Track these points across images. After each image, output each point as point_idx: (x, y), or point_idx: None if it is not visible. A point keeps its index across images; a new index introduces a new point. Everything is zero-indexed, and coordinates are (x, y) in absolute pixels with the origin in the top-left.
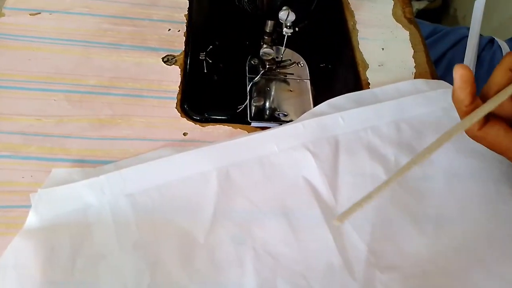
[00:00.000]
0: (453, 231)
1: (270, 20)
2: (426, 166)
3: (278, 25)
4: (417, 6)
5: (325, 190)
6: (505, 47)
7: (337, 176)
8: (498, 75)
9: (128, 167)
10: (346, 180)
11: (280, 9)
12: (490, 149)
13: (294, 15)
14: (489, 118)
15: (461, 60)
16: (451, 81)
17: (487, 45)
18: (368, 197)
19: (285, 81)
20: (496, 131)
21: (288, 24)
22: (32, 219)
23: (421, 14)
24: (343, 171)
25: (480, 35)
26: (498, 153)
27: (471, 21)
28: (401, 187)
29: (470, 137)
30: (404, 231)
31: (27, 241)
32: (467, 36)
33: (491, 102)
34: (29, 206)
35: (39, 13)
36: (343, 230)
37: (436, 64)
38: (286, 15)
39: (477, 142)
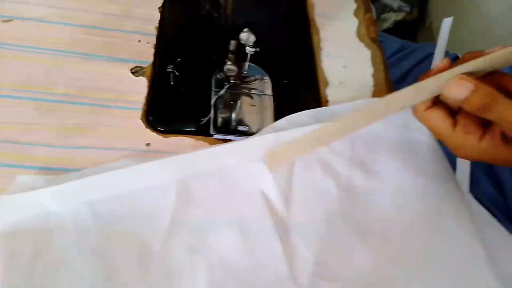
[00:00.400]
0: (395, 245)
1: (233, 40)
2: (376, 181)
3: (242, 44)
4: (394, 17)
5: (279, 203)
6: None
7: (291, 189)
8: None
9: (90, 176)
10: (299, 194)
11: (241, 30)
12: (431, 131)
13: (254, 37)
14: (436, 102)
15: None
16: None
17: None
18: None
19: (249, 95)
20: (436, 115)
21: (250, 44)
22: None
23: (399, 26)
24: (297, 185)
25: (446, 51)
26: (437, 137)
27: (438, 39)
28: (350, 200)
29: (416, 116)
30: (350, 244)
31: None
32: (433, 53)
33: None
34: None
35: (12, 20)
36: (291, 241)
37: (402, 80)
38: (246, 37)
39: (421, 122)
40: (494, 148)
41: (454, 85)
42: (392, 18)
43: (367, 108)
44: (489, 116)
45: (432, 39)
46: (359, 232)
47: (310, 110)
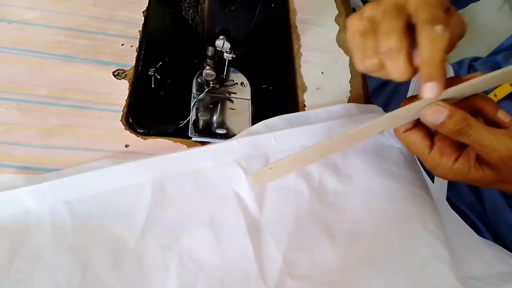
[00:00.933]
0: (362, 245)
1: (210, 46)
2: (347, 184)
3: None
4: None
5: (251, 203)
6: (450, 70)
7: (264, 190)
8: None
9: (69, 176)
10: (272, 195)
11: (217, 37)
12: (410, 151)
13: (229, 44)
14: (416, 124)
15: (406, 85)
16: (396, 107)
17: None
18: (280, 161)
19: (228, 99)
20: (415, 137)
21: (227, 50)
22: None
23: None
24: (270, 186)
25: None
26: (414, 154)
27: None
28: (321, 202)
29: (396, 136)
30: (319, 243)
31: None
32: None
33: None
34: None
35: None
36: (262, 240)
37: (382, 88)
38: (222, 44)
39: (401, 142)
40: (468, 170)
41: (431, 110)
42: None
43: (350, 132)
44: (464, 139)
45: None
46: (328, 232)
47: (286, 115)
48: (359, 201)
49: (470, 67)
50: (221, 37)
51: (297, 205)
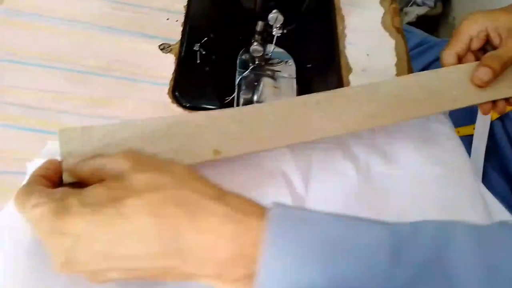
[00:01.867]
0: None
1: (261, 21)
2: (394, 168)
3: (269, 25)
4: (417, 11)
5: (297, 182)
6: None
7: (310, 170)
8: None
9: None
10: (318, 174)
11: (270, 11)
12: None
13: (283, 18)
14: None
15: None
16: None
17: None
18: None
19: (272, 77)
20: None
21: (278, 26)
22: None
23: (421, 20)
24: (316, 166)
25: None
26: None
27: None
28: (368, 185)
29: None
30: None
31: None
32: None
33: None
34: (21, 173)
35: None
36: None
37: None
38: (275, 18)
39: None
40: None
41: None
42: (415, 12)
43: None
44: None
45: None
46: (375, 215)
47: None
48: (406, 186)
49: None
50: (274, 11)
51: (344, 186)
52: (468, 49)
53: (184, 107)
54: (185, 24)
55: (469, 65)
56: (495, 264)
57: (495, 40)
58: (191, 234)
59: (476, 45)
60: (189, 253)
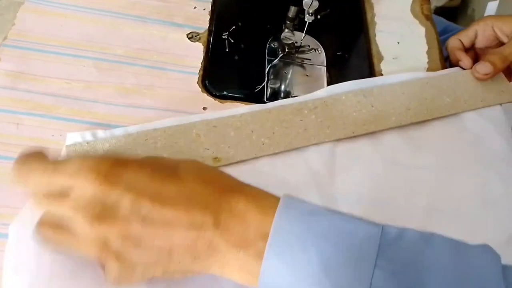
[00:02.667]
0: (440, 221)
1: (294, 6)
2: (421, 156)
3: (301, 11)
4: (435, 3)
5: (322, 171)
6: None
7: (334, 158)
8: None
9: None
10: (343, 163)
11: None
12: None
13: (318, 3)
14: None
15: None
16: None
17: None
18: None
19: (302, 65)
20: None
21: (311, 11)
22: None
23: (439, 12)
24: (340, 154)
25: None
26: None
27: None
28: (395, 173)
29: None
30: (393, 214)
31: None
32: None
33: None
34: None
35: None
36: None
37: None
38: (310, 2)
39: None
40: None
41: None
42: (433, 3)
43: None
44: None
45: None
46: (403, 203)
47: (358, 80)
48: (434, 174)
49: None
50: None
51: (371, 174)
52: (473, 43)
53: (215, 96)
54: (212, 12)
55: (461, 72)
56: (466, 271)
57: (503, 41)
58: (226, 204)
59: (481, 42)
60: (222, 218)
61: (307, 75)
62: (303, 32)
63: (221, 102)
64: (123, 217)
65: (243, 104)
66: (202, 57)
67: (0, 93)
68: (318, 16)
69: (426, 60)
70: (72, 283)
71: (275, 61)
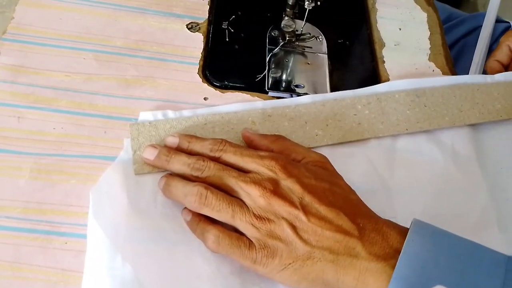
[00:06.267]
0: (499, 218)
1: None
2: (480, 150)
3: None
4: None
5: (382, 166)
6: None
7: (394, 152)
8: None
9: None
10: (402, 156)
11: None
12: None
13: None
14: None
15: (473, 49)
16: (459, 68)
17: (500, 36)
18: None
19: (303, 54)
20: None
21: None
22: (123, 154)
23: None
24: (401, 149)
25: (497, 20)
26: None
27: (487, 10)
28: (456, 167)
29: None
30: (453, 209)
31: (117, 173)
32: (481, 26)
33: None
34: (59, 155)
35: None
36: (394, 205)
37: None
38: None
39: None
40: None
41: None
42: None
43: None
44: None
45: (476, 12)
46: (464, 198)
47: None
48: (496, 170)
49: None
50: None
51: (431, 169)
52: (511, 58)
53: (215, 87)
54: (211, 2)
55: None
56: None
57: None
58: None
59: None
60: (364, 229)
61: (308, 63)
62: (303, 20)
63: (222, 92)
64: (291, 200)
65: (244, 94)
66: (202, 47)
67: (1, 87)
68: (318, 3)
69: (429, 46)
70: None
71: (275, 49)
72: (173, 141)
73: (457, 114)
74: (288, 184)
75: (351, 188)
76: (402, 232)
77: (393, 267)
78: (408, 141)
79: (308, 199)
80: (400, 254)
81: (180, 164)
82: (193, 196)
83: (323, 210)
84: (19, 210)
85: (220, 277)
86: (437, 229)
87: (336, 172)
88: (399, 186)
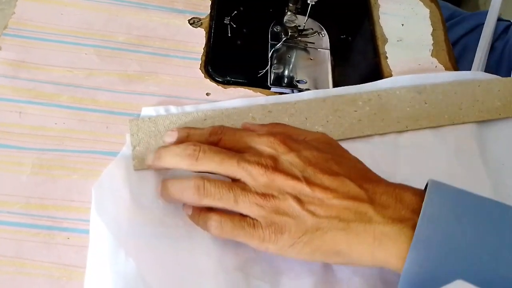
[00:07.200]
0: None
1: None
2: (484, 149)
3: None
4: None
5: (385, 161)
6: None
7: (398, 149)
8: None
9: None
10: (405, 152)
11: None
12: None
13: None
14: None
15: (474, 47)
16: (462, 66)
17: (502, 34)
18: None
19: (305, 49)
20: None
21: None
22: (125, 149)
23: None
24: (404, 144)
25: (498, 19)
26: None
27: (489, 8)
28: (460, 163)
29: None
30: None
31: (120, 168)
32: (483, 24)
33: None
34: (61, 150)
35: None
36: None
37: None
38: None
39: None
40: None
41: None
42: None
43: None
44: None
45: (477, 10)
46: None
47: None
48: (501, 165)
49: None
50: None
51: (434, 165)
52: None
53: (218, 82)
54: None
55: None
56: None
57: None
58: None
59: None
60: (374, 194)
61: (311, 59)
62: (306, 15)
63: (224, 88)
64: (294, 174)
65: (246, 89)
66: (204, 43)
67: (2, 82)
68: None
69: (431, 42)
70: (152, 241)
71: (278, 45)
72: (171, 134)
73: (457, 112)
74: (289, 158)
75: (357, 159)
76: (417, 193)
77: (412, 228)
78: (411, 137)
79: (310, 170)
80: (420, 215)
81: (170, 155)
82: (190, 189)
83: (326, 179)
84: (21, 205)
85: (223, 272)
86: (455, 188)
87: (340, 146)
88: (403, 182)
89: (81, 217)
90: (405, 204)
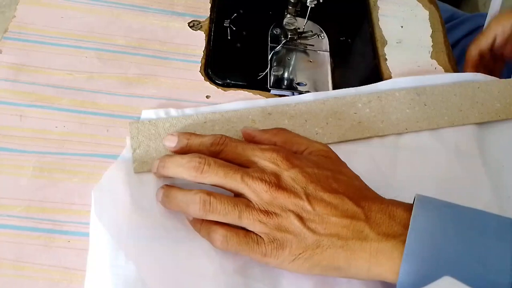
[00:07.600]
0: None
1: None
2: (483, 150)
3: None
4: None
5: (384, 163)
6: None
7: (398, 150)
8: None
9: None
10: (405, 154)
11: None
12: None
13: None
14: None
15: None
16: (461, 68)
17: None
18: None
19: (305, 52)
20: None
21: None
22: (125, 152)
23: None
24: (404, 146)
25: None
26: None
27: (489, 10)
28: (459, 164)
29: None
30: None
31: (120, 171)
32: (483, 26)
33: None
34: (62, 153)
35: None
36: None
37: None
38: None
39: None
40: None
41: None
42: None
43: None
44: None
45: (476, 11)
46: (465, 193)
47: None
48: (500, 167)
49: None
50: None
51: (434, 167)
52: (492, 46)
53: (217, 85)
54: (213, 0)
55: None
56: None
57: None
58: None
59: (499, 42)
60: (369, 212)
61: (310, 61)
62: (305, 17)
63: (224, 90)
64: (295, 192)
65: (246, 92)
66: (204, 46)
67: (3, 86)
68: (320, 0)
69: (431, 43)
70: (152, 244)
71: (277, 47)
72: (171, 139)
73: (456, 113)
74: (291, 175)
75: (355, 174)
76: (408, 209)
77: (404, 243)
78: (411, 138)
79: (311, 187)
80: (409, 230)
81: (174, 166)
82: (196, 205)
83: (327, 197)
84: (21, 208)
85: (223, 275)
86: (440, 201)
87: (340, 159)
88: (402, 184)
89: (81, 220)
90: (397, 220)
